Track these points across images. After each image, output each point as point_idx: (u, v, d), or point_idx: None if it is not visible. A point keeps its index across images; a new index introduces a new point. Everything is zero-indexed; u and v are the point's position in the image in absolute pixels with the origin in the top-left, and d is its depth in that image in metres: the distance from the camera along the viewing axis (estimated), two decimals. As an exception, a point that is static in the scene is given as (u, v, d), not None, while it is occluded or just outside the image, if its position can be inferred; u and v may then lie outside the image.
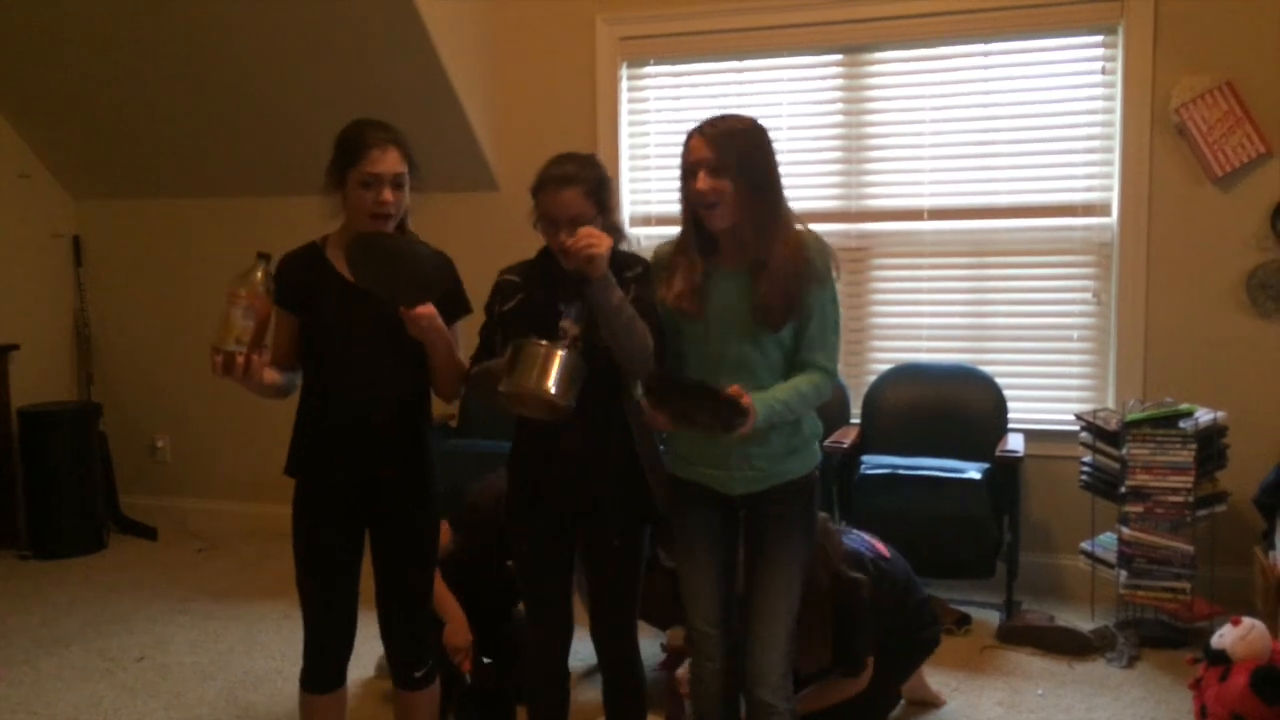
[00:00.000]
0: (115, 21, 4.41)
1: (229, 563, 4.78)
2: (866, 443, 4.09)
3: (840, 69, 4.38)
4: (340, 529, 2.49)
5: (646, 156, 4.63)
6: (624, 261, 2.45)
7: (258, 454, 5.25)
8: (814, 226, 4.22)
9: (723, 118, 2.36)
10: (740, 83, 4.51)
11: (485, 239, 4.77)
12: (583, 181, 2.36)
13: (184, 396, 5.35)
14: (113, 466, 5.29)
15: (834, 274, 2.43)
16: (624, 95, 4.59)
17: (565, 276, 2.37)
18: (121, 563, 4.85)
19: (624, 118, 4.60)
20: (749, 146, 2.33)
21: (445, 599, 3.25)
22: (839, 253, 4.53)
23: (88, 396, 5.38)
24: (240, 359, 2.24)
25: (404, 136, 2.48)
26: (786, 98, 4.44)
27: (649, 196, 4.64)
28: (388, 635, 2.56)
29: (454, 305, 2.50)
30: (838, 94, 4.40)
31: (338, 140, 2.45)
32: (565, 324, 2.40)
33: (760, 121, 2.38)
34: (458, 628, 3.15)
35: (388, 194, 2.42)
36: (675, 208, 5.11)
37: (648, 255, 4.50)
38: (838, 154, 4.40)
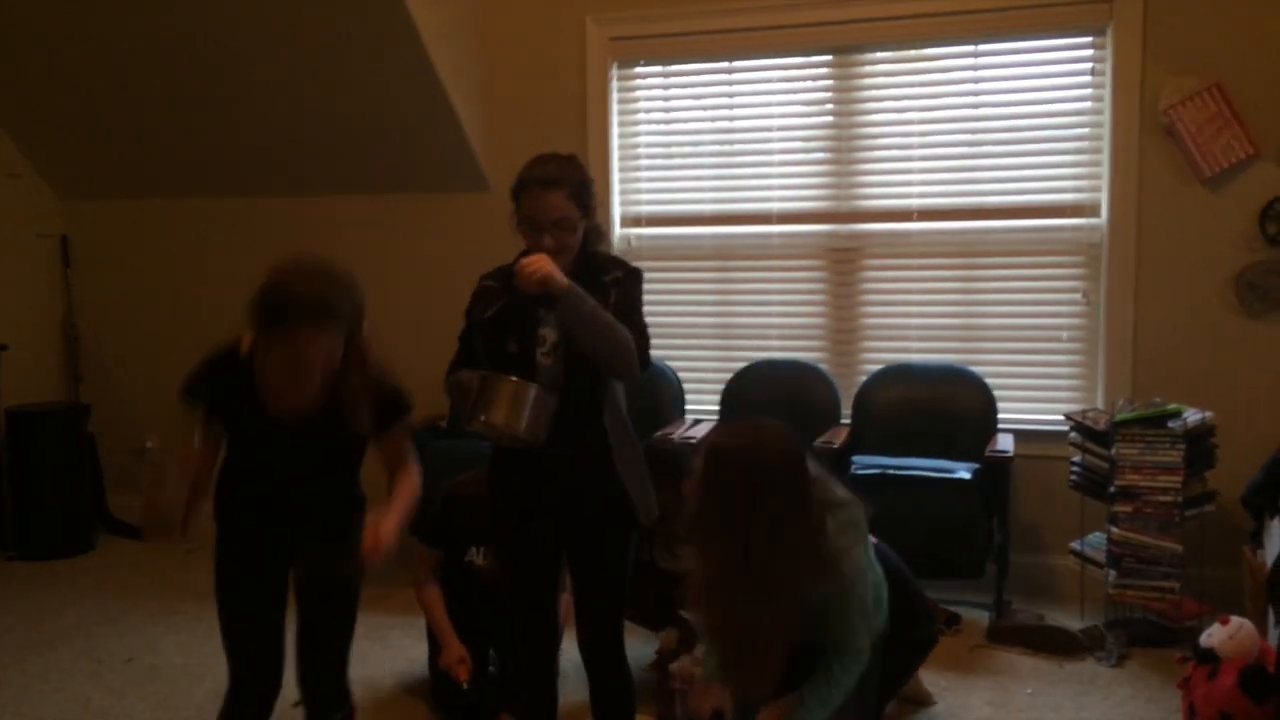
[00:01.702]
0: (103, 20, 4.39)
1: (218, 564, 4.75)
2: (856, 443, 4.10)
3: (830, 70, 4.39)
4: (262, 574, 2.39)
5: (637, 157, 4.63)
6: (602, 265, 2.41)
7: (247, 455, 5.23)
8: (803, 228, 4.18)
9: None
10: (730, 83, 4.51)
11: (476, 239, 4.76)
12: (566, 184, 2.32)
13: (173, 397, 5.31)
14: (101, 467, 5.26)
15: (860, 540, 2.28)
16: (614, 95, 4.59)
17: None
18: (110, 564, 4.83)
19: (614, 118, 4.59)
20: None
21: (435, 617, 3.24)
22: (829, 253, 4.56)
23: (76, 397, 5.36)
24: (178, 521, 2.19)
25: (338, 304, 2.14)
26: (776, 98, 4.45)
27: (639, 197, 4.64)
28: (303, 679, 2.43)
29: (393, 411, 2.36)
30: (827, 95, 4.40)
31: (265, 294, 2.11)
32: (545, 331, 2.38)
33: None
34: (449, 647, 3.15)
35: (315, 378, 2.19)
36: (666, 208, 5.09)
37: (641, 253, 4.49)
38: (827, 155, 4.40)
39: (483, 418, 2.24)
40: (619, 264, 2.47)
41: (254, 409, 2.22)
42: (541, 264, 2.22)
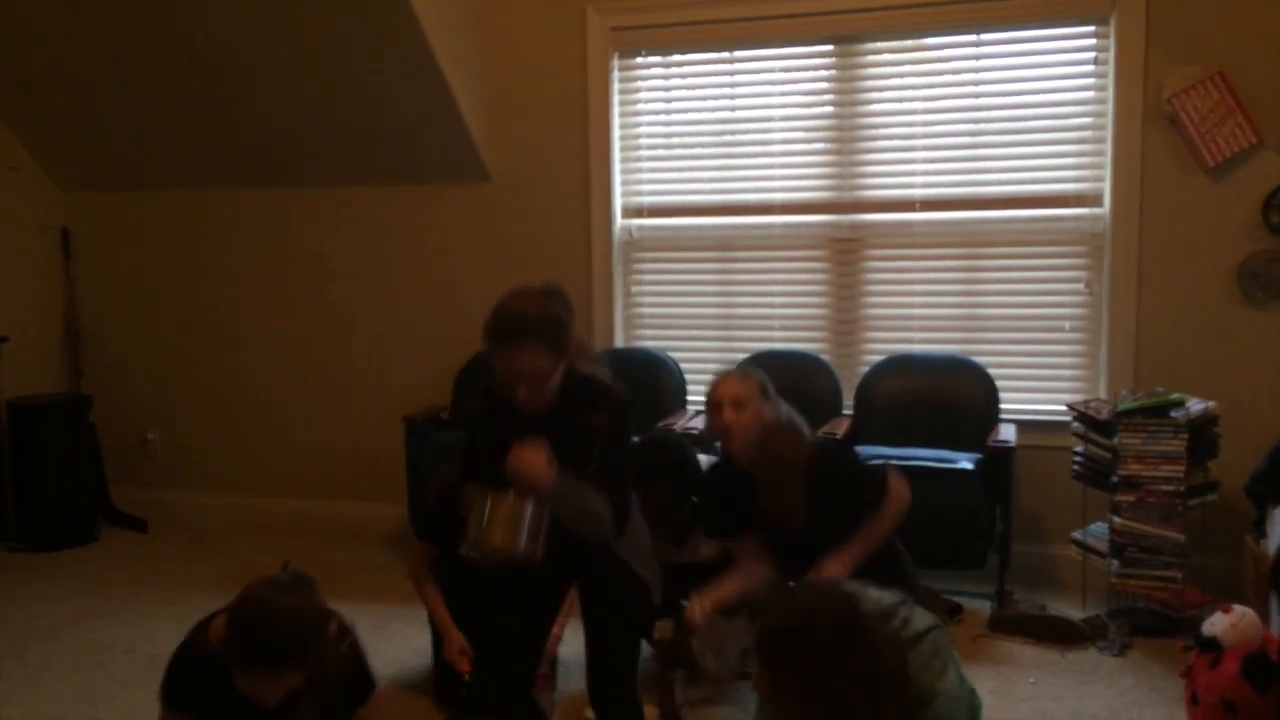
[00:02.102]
0: (104, 12, 4.38)
1: (219, 555, 4.76)
2: (859, 433, 4.09)
3: (832, 60, 4.37)
4: None
5: (638, 147, 4.62)
6: (585, 399, 2.36)
7: (248, 447, 5.23)
8: (805, 218, 4.14)
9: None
10: (732, 73, 4.50)
11: (477, 230, 4.77)
12: (534, 333, 2.25)
13: (174, 389, 5.33)
14: (103, 459, 5.27)
15: (948, 665, 2.02)
16: (615, 85, 4.57)
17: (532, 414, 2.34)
18: (112, 555, 4.83)
19: (615, 108, 4.58)
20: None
21: (436, 612, 3.24)
22: (831, 244, 4.56)
23: (78, 389, 5.36)
24: None
25: (302, 659, 2.13)
26: (777, 88, 4.43)
27: (641, 188, 4.63)
28: None
29: (360, 692, 2.36)
30: (829, 85, 4.39)
31: (235, 629, 2.14)
32: None
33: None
34: (451, 640, 3.15)
35: (276, 700, 2.16)
36: (667, 198, 5.07)
37: (643, 243, 4.43)
38: (829, 145, 4.39)
39: (479, 542, 2.22)
40: (604, 398, 2.40)
41: (229, 699, 2.17)
42: (536, 469, 2.21)
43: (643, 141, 4.62)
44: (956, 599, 3.88)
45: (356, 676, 2.35)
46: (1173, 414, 3.55)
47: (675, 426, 4.08)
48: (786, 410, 3.05)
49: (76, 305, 5.40)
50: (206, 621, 2.29)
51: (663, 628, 3.25)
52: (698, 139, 4.56)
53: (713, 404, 3.02)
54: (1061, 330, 4.20)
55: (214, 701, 2.19)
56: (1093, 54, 4.05)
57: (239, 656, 2.10)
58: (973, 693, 2.26)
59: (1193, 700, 2.84)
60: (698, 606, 2.89)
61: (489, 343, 2.30)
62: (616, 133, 4.59)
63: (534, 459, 2.22)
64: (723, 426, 2.99)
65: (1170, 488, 3.54)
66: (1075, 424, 3.82)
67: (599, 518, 2.33)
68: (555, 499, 2.25)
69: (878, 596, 2.06)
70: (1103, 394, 4.04)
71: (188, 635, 2.32)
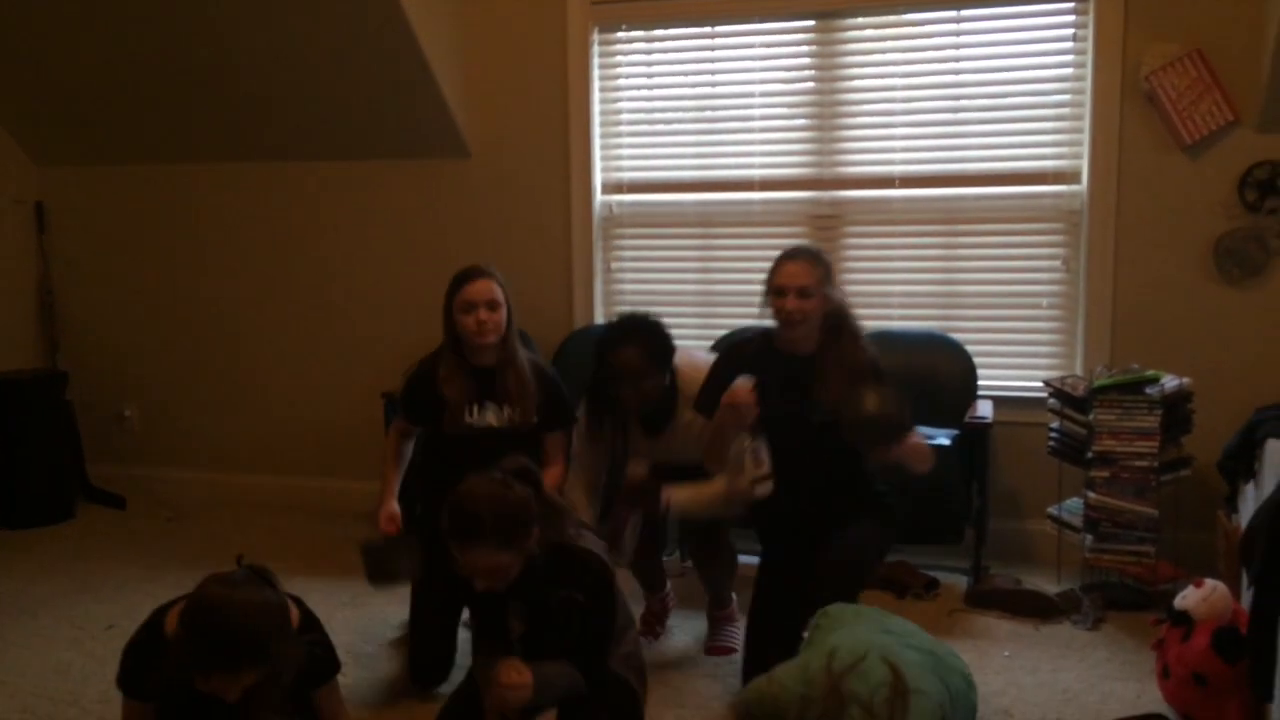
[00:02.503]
0: (76, -18, 4.33)
1: (197, 531, 4.74)
2: (837, 409, 4.10)
3: (812, 35, 4.36)
4: None
5: (619, 122, 4.60)
6: (557, 573, 2.41)
7: (226, 423, 5.21)
8: (785, 194, 4.15)
9: None
10: (713, 48, 4.48)
11: (457, 205, 4.75)
12: (490, 534, 2.29)
13: (151, 365, 5.30)
14: (80, 435, 5.23)
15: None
16: (595, 60, 4.54)
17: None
18: (90, 532, 4.82)
19: (595, 83, 4.55)
20: None
21: (386, 477, 3.29)
22: (811, 220, 4.53)
23: (54, 365, 5.32)
24: None
25: (263, 655, 2.10)
26: (758, 64, 4.42)
27: (621, 163, 4.61)
28: None
29: (320, 674, 2.36)
30: (810, 60, 4.38)
31: (194, 633, 2.10)
32: (514, 622, 2.43)
33: None
34: (385, 505, 3.18)
35: (235, 697, 2.14)
36: (647, 174, 5.04)
37: (622, 219, 4.39)
38: (809, 121, 4.38)
39: None
40: (582, 574, 2.44)
41: (186, 688, 2.15)
42: (518, 698, 2.29)
43: (623, 117, 4.60)
44: (933, 573, 3.91)
45: (320, 659, 2.35)
46: (1147, 390, 3.58)
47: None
48: (846, 301, 3.14)
49: (51, 280, 5.34)
50: (162, 611, 2.28)
51: (635, 470, 3.21)
52: (678, 114, 4.54)
53: (777, 289, 3.04)
54: (1039, 307, 4.22)
55: (174, 687, 2.18)
56: (1072, 30, 4.05)
57: (196, 661, 2.08)
58: (968, 680, 2.24)
59: (1164, 673, 2.88)
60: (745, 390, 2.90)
61: (447, 537, 2.34)
62: (597, 108, 4.57)
63: (514, 692, 2.29)
64: (786, 313, 3.02)
65: (1144, 463, 3.57)
66: (1051, 400, 3.85)
67: (575, 689, 2.41)
68: (542, 701, 2.36)
69: (869, 696, 1.97)
70: (1079, 370, 4.07)
71: (142, 624, 2.31)
